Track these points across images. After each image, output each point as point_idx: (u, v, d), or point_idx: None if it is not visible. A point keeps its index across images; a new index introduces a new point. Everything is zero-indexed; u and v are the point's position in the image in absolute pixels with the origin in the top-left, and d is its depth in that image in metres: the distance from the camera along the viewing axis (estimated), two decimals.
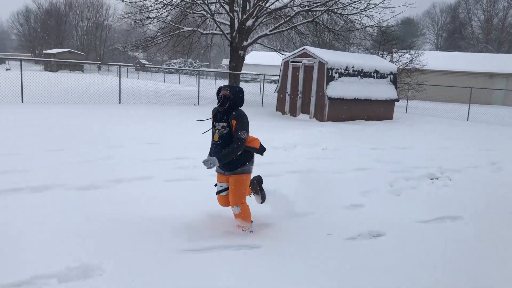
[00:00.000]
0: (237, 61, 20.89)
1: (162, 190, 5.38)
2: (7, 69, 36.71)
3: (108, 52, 70.42)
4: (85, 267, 3.30)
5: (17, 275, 3.12)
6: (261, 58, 60.08)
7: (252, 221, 4.25)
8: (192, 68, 48.70)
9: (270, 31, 21.31)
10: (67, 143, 7.87)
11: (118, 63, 32.68)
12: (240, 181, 4.13)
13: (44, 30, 71.87)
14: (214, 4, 21.23)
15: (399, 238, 4.36)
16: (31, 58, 51.01)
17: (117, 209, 4.57)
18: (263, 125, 12.62)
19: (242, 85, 26.26)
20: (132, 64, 48.35)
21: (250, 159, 4.20)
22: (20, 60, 15.96)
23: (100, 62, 47.72)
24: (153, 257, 3.55)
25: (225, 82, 30.74)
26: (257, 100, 21.06)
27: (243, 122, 4.02)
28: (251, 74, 36.34)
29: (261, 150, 4.27)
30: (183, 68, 37.83)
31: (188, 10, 21.03)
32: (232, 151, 3.94)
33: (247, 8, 20.18)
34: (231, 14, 20.19)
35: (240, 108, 4.15)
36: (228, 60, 23.30)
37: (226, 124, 4.03)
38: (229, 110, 4.06)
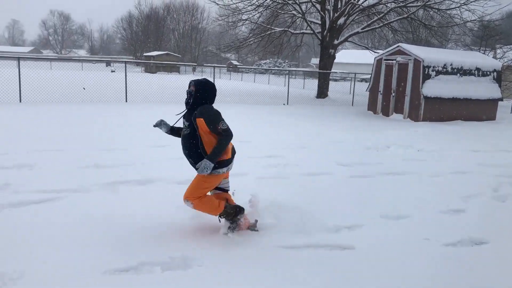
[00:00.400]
0: (327, 60, 20.72)
1: (254, 187, 5.51)
2: (112, 71, 39.81)
3: (202, 53, 73.46)
4: (186, 258, 3.47)
5: (126, 261, 3.36)
6: (350, 57, 58.95)
7: (252, 222, 4.14)
8: (281, 68, 49.13)
9: (362, 28, 20.87)
10: (168, 140, 8.35)
11: (212, 65, 33.98)
12: (197, 179, 3.81)
13: (144, 34, 76.94)
14: (305, 4, 21.26)
15: (506, 247, 4.05)
16: (133, 61, 54.78)
17: None
18: (354, 124, 12.41)
19: (331, 84, 26.00)
20: (224, 65, 49.99)
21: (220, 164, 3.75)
22: (125, 62, 17.21)
23: (195, 64, 49.91)
24: (248, 252, 3.66)
25: (314, 82, 30.45)
26: (348, 99, 20.71)
27: (211, 116, 3.60)
28: (341, 73, 35.63)
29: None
30: (273, 68, 38.24)
31: (279, 11, 21.28)
32: (220, 145, 3.63)
33: (339, 6, 19.95)
34: (322, 13, 20.08)
35: (207, 104, 3.71)
36: (317, 59, 23.18)
37: (189, 123, 3.70)
38: (194, 108, 3.69)
